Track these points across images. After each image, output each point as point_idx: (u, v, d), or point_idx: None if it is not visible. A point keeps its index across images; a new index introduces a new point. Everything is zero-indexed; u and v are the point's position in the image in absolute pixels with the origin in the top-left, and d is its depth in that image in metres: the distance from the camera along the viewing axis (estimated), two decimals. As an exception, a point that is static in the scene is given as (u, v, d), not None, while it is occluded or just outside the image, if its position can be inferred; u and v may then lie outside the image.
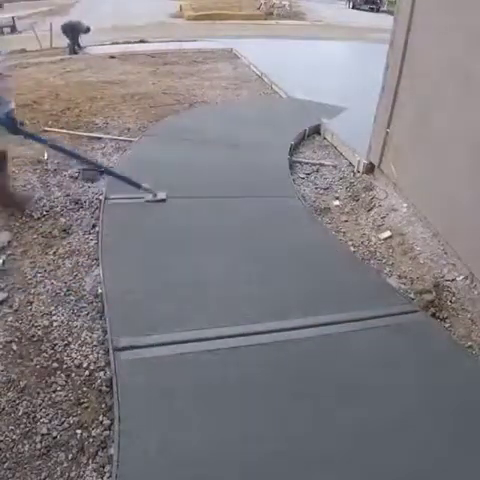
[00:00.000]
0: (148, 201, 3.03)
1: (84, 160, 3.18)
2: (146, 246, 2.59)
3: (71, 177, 3.52)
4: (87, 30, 10.00)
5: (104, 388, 1.79)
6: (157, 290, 2.24)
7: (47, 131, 4.39)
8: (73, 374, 1.85)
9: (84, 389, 1.79)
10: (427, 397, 1.76)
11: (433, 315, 2.32)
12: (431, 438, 1.59)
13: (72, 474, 1.49)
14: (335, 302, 2.24)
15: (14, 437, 1.59)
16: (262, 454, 1.50)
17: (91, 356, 1.93)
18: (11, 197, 3.01)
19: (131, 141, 4.25)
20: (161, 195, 3.08)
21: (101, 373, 1.86)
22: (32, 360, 1.90)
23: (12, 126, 2.66)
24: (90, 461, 1.53)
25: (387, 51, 3.47)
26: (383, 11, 23.20)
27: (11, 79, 2.66)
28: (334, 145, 4.55)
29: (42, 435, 1.60)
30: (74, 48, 9.75)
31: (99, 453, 1.56)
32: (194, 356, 1.85)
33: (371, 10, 24.43)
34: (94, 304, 2.23)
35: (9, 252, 2.58)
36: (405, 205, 3.30)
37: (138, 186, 3.01)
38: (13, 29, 14.43)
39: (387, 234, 3.05)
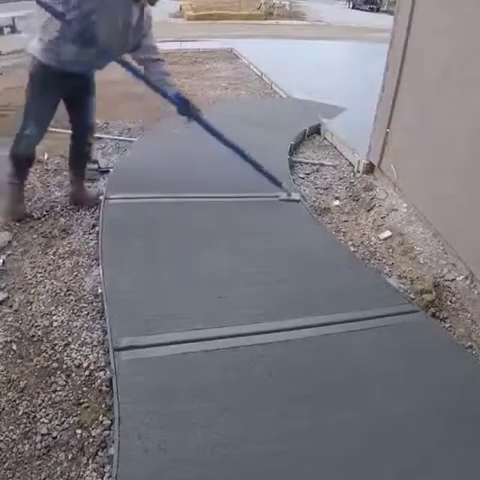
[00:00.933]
0: (282, 200, 3.15)
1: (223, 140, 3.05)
2: (146, 246, 2.59)
3: (71, 177, 3.52)
4: None
5: (104, 388, 1.79)
6: (157, 290, 2.24)
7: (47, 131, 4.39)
8: (73, 374, 1.85)
9: (84, 389, 1.79)
10: (427, 397, 1.76)
11: (433, 315, 2.32)
12: (431, 438, 1.59)
13: (72, 474, 1.49)
14: (335, 302, 2.24)
15: (14, 437, 1.59)
16: (262, 454, 1.50)
17: (91, 356, 1.93)
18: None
19: (131, 141, 4.26)
20: (295, 196, 3.19)
21: (101, 373, 1.86)
22: (32, 360, 1.90)
23: (184, 107, 2.70)
24: (90, 461, 1.53)
25: (387, 51, 3.47)
26: (383, 11, 23.19)
27: (164, 61, 2.75)
28: (334, 145, 4.55)
29: (42, 435, 1.60)
30: None
31: (99, 453, 1.56)
32: (194, 356, 1.85)
33: (371, 10, 24.41)
34: (94, 304, 2.23)
35: (9, 252, 2.58)
36: (405, 205, 3.31)
37: (279, 184, 3.14)
38: (13, 29, 14.42)
39: (387, 234, 3.05)
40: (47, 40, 2.37)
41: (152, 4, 2.48)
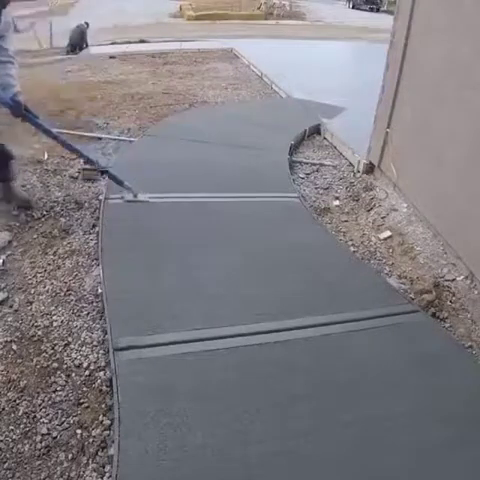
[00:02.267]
0: (128, 201, 3.01)
1: (83, 157, 3.15)
2: (146, 246, 2.59)
3: (71, 177, 3.52)
4: (87, 25, 10.30)
5: (104, 388, 1.79)
6: (157, 290, 2.24)
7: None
8: (73, 374, 1.85)
9: (84, 389, 1.79)
10: (427, 397, 1.76)
11: (433, 315, 2.32)
12: (431, 438, 1.59)
13: (72, 474, 1.49)
14: (335, 302, 2.24)
15: (14, 437, 1.59)
16: (262, 454, 1.50)
17: (91, 356, 1.93)
18: (15, 195, 3.02)
19: (131, 141, 4.26)
20: (142, 197, 3.04)
21: (101, 373, 1.85)
22: (32, 360, 1.90)
23: (18, 110, 2.62)
24: (90, 461, 1.53)
25: (387, 51, 3.47)
26: (383, 11, 23.22)
27: (14, 64, 2.70)
28: (334, 145, 4.55)
29: (42, 435, 1.60)
30: (81, 48, 9.94)
31: (99, 453, 1.56)
32: (194, 356, 1.85)
33: (371, 10, 24.44)
34: (94, 304, 2.23)
35: (9, 252, 2.58)
36: (405, 205, 3.31)
37: (120, 183, 3.02)
38: (13, 29, 14.41)
39: (387, 234, 3.05)
40: None
41: (3, 7, 2.52)
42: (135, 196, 3.04)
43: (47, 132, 2.92)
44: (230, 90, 6.45)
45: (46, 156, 3.77)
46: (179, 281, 2.32)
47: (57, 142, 3.02)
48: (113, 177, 3.07)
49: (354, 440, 1.57)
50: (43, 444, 1.58)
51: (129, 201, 3.02)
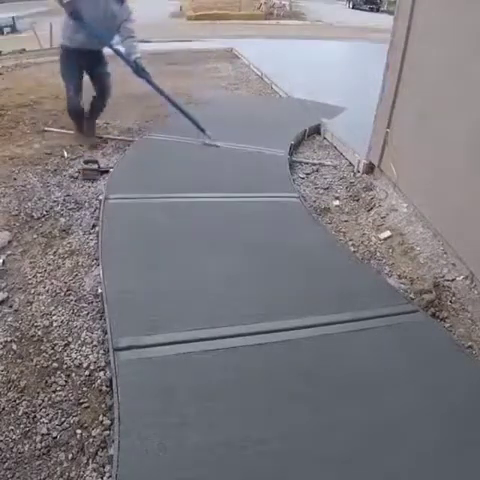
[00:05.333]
0: (205, 144, 4.00)
1: (192, 120, 4.08)
2: (146, 246, 2.59)
3: (71, 177, 3.52)
4: None
5: (104, 388, 1.79)
6: (157, 290, 2.24)
7: (47, 131, 4.39)
8: (73, 374, 1.85)
9: (84, 389, 1.79)
10: (427, 397, 1.76)
11: (433, 315, 2.32)
12: (431, 438, 1.59)
13: (72, 474, 1.49)
14: (335, 302, 2.24)
15: (14, 437, 1.59)
16: (262, 454, 1.50)
17: (91, 356, 1.93)
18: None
19: (131, 141, 4.26)
20: (217, 143, 4.02)
21: (101, 373, 1.86)
22: (32, 360, 1.90)
23: (137, 70, 3.76)
24: (90, 461, 1.53)
25: (387, 51, 3.47)
26: (383, 11, 23.22)
27: (135, 38, 3.77)
28: (334, 145, 4.55)
29: (42, 435, 1.60)
30: None
31: (99, 453, 1.56)
32: (194, 356, 1.85)
33: (371, 10, 24.45)
34: (94, 304, 2.23)
35: (9, 252, 2.58)
36: (405, 205, 3.30)
37: (203, 130, 4.03)
38: (13, 29, 14.42)
39: (387, 234, 3.05)
40: (64, 30, 3.69)
41: None
42: (212, 140, 4.01)
43: (160, 91, 3.95)
44: (230, 90, 6.45)
45: (66, 154, 3.86)
46: (179, 281, 2.32)
47: (168, 101, 4.04)
48: (194, 121, 4.04)
49: (354, 440, 1.57)
50: (43, 444, 1.58)
51: (205, 144, 3.98)
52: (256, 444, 1.53)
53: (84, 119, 4.11)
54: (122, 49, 3.71)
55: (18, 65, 7.41)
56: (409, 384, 1.81)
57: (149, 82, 3.85)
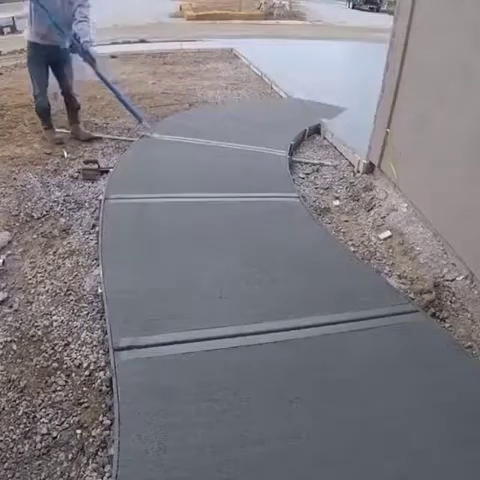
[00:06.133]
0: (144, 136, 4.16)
1: (130, 110, 4.32)
2: (146, 246, 2.59)
3: (71, 177, 3.53)
4: None
5: (104, 388, 1.79)
6: (157, 290, 2.24)
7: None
8: (73, 374, 1.85)
9: (84, 389, 1.79)
10: (427, 397, 1.76)
11: (433, 315, 2.32)
12: (431, 438, 1.59)
13: (72, 474, 1.49)
14: (335, 302, 2.24)
15: (14, 437, 1.59)
16: (262, 454, 1.50)
17: (91, 356, 1.93)
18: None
19: (131, 141, 4.26)
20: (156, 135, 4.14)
21: (101, 373, 1.86)
22: (32, 360, 1.90)
23: (83, 53, 3.76)
24: (90, 461, 1.54)
25: (387, 51, 3.47)
26: (383, 11, 23.20)
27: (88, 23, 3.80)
28: (334, 145, 4.55)
29: (42, 435, 1.60)
30: None
31: (99, 453, 1.56)
32: (194, 356, 1.85)
33: (371, 10, 24.42)
34: (94, 304, 2.23)
35: (9, 252, 2.58)
36: (405, 205, 3.30)
37: (140, 120, 4.23)
38: (13, 29, 14.41)
39: (387, 234, 3.05)
40: (29, 26, 3.79)
41: None
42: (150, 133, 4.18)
43: (102, 78, 4.05)
44: (230, 90, 6.45)
45: (66, 154, 3.87)
46: (179, 281, 2.32)
47: (112, 92, 4.20)
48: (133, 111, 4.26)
49: (354, 440, 1.57)
50: (43, 444, 1.58)
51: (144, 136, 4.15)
52: (256, 444, 1.53)
53: (50, 116, 4.22)
54: (74, 30, 3.71)
55: (18, 65, 7.40)
56: (409, 384, 1.81)
57: (92, 67, 3.89)
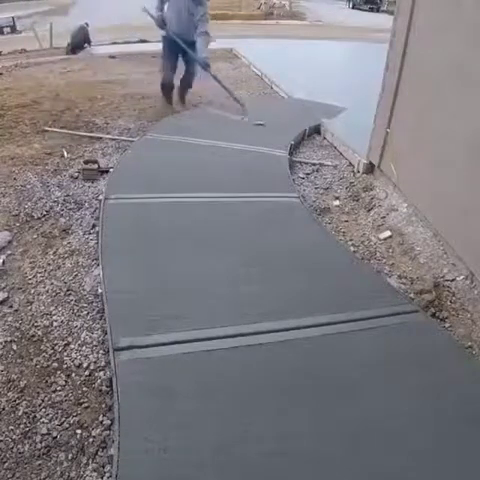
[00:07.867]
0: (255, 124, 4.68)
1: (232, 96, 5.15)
2: (146, 246, 2.59)
3: (71, 177, 3.52)
4: (87, 25, 10.30)
5: (104, 388, 1.79)
6: (157, 290, 2.24)
7: (47, 131, 4.39)
8: (73, 374, 1.85)
9: (84, 389, 1.79)
10: (427, 397, 1.76)
11: (433, 315, 2.32)
12: (431, 438, 1.59)
13: (72, 474, 1.49)
14: (335, 302, 2.24)
15: (14, 437, 1.59)
16: (262, 454, 1.50)
17: (91, 356, 1.93)
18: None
19: (131, 141, 4.26)
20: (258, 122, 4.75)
21: (101, 373, 1.86)
22: (32, 360, 1.90)
23: (205, 66, 4.85)
24: (90, 461, 1.53)
25: (387, 51, 3.47)
26: (383, 11, 23.21)
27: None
28: (334, 145, 4.55)
29: (42, 435, 1.60)
30: (82, 47, 9.96)
31: (99, 453, 1.56)
32: (194, 356, 1.85)
33: (371, 10, 24.44)
34: (94, 304, 2.23)
35: (9, 252, 2.58)
36: (405, 205, 3.30)
37: (242, 105, 5.04)
38: (13, 29, 14.43)
39: (387, 234, 3.05)
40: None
41: None
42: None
43: (216, 79, 5.01)
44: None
45: (66, 154, 3.86)
46: (179, 281, 2.32)
47: (220, 85, 5.05)
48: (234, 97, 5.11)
49: (354, 440, 1.57)
50: (43, 444, 1.58)
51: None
52: (256, 444, 1.53)
53: (172, 93, 5.27)
54: (197, 42, 4.68)
55: (18, 65, 7.41)
56: (409, 384, 1.81)
57: (212, 76, 4.94)
